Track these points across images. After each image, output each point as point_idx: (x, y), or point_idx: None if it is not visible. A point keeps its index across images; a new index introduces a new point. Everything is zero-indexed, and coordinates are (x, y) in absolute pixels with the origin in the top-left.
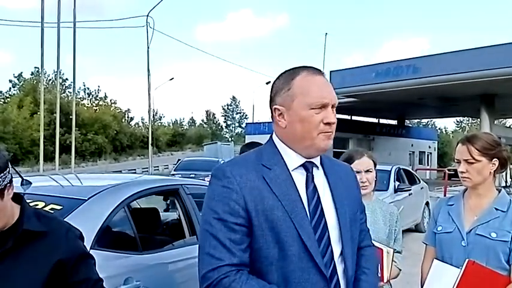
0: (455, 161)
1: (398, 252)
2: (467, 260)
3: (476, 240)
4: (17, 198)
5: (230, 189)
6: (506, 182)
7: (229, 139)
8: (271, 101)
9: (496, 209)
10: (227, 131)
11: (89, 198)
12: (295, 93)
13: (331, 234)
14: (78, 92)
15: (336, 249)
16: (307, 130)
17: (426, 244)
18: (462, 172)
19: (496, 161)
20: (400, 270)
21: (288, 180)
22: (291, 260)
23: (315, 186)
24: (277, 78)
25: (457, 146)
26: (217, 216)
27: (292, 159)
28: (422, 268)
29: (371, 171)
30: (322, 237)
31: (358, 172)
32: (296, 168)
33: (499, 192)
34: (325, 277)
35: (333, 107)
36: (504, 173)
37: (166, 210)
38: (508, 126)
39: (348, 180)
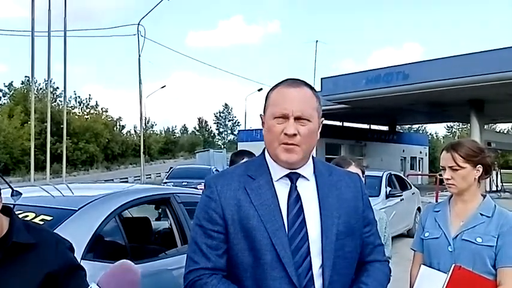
0: (441, 168)
1: (388, 258)
2: (453, 265)
3: (463, 245)
4: (6, 210)
5: (210, 199)
6: (496, 186)
7: (222, 146)
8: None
9: (481, 215)
10: (220, 138)
11: (79, 209)
12: (268, 104)
13: (312, 246)
14: (69, 100)
15: (316, 261)
16: (270, 139)
17: (414, 250)
18: (447, 179)
19: (480, 168)
20: (391, 276)
21: (269, 190)
22: (264, 268)
23: (297, 197)
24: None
25: (441, 153)
26: (198, 223)
27: (276, 170)
28: (411, 274)
29: None
30: (300, 247)
31: None
32: (280, 178)
33: (484, 197)
34: (296, 287)
35: (297, 118)
36: (495, 178)
37: (158, 219)
38: (498, 131)
39: (347, 191)
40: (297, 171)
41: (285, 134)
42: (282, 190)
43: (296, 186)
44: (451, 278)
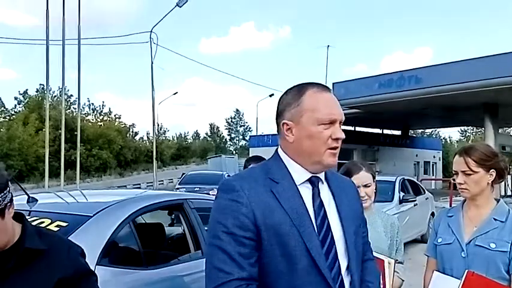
0: (453, 172)
1: (400, 262)
2: (466, 270)
3: (476, 251)
4: (18, 216)
5: (239, 203)
6: (511, 191)
7: (234, 152)
8: (279, 115)
9: (495, 220)
10: (231, 144)
11: (94, 215)
12: (305, 109)
13: (338, 248)
14: (83, 108)
15: (343, 262)
16: (315, 146)
17: (428, 256)
18: (460, 183)
19: (493, 172)
20: (403, 280)
21: (295, 194)
22: (299, 274)
23: (321, 201)
24: (285, 93)
25: (454, 157)
26: (226, 230)
27: (299, 174)
28: (424, 279)
29: (369, 186)
30: (330, 250)
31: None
32: (303, 182)
33: (498, 202)
34: None
35: (340, 123)
36: (510, 182)
37: (171, 225)
38: None
39: (350, 194)
40: (317, 175)
41: (335, 139)
42: (306, 194)
43: (319, 190)
44: (464, 284)
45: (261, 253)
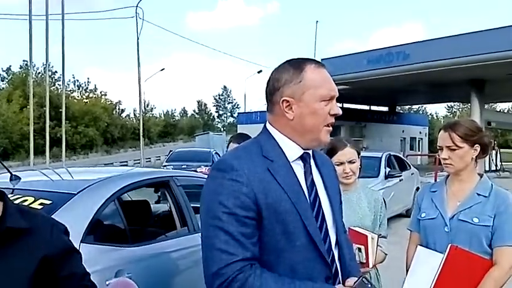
0: (438, 147)
1: (383, 237)
2: (450, 245)
3: (459, 225)
4: None
5: (240, 183)
6: (496, 165)
7: (222, 129)
8: (275, 92)
9: (478, 194)
10: (219, 121)
11: (78, 193)
12: (307, 85)
13: (328, 223)
14: (68, 84)
15: (332, 237)
16: (316, 122)
17: (411, 230)
18: (444, 159)
19: (477, 147)
20: (386, 254)
21: (290, 171)
22: (298, 250)
23: (312, 178)
24: (280, 69)
25: (439, 132)
26: (227, 211)
27: (292, 151)
28: (407, 254)
29: (354, 162)
30: (322, 226)
31: (341, 163)
32: (295, 159)
33: (481, 177)
34: (328, 264)
35: (335, 99)
36: (494, 157)
37: (157, 202)
38: (498, 110)
39: (330, 169)
40: (308, 151)
41: (333, 114)
42: (298, 171)
43: (311, 167)
44: (447, 258)
45: (261, 232)
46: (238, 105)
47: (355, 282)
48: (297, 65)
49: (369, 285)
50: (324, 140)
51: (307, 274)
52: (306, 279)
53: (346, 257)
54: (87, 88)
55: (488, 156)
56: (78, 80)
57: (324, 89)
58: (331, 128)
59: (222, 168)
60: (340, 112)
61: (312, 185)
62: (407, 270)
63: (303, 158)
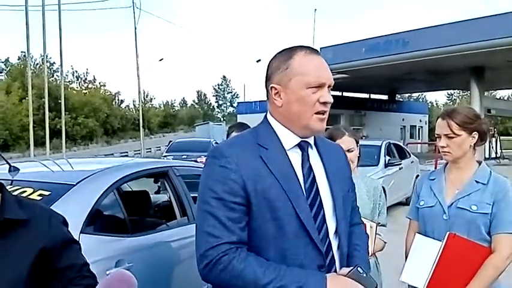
0: (436, 135)
1: (383, 225)
2: (448, 233)
3: (458, 213)
4: None
5: (228, 169)
6: (496, 153)
7: (221, 119)
8: (268, 79)
9: (477, 182)
10: (219, 111)
11: (77, 183)
12: (293, 72)
13: (326, 212)
14: (67, 75)
15: (331, 226)
16: (303, 110)
17: (409, 218)
18: (443, 147)
19: (475, 135)
20: (385, 243)
21: (284, 159)
22: (288, 237)
23: (310, 165)
24: (274, 57)
25: (437, 120)
26: (216, 196)
27: (288, 139)
28: (406, 242)
29: (352, 150)
30: (318, 214)
31: None
32: (292, 147)
33: (480, 164)
34: (322, 253)
35: (329, 87)
36: (494, 145)
37: (157, 193)
38: (498, 97)
39: (339, 159)
40: (307, 140)
41: (323, 102)
42: (295, 158)
43: (308, 155)
44: (446, 245)
45: (250, 218)
46: (237, 94)
47: (349, 272)
48: (287, 52)
49: (364, 275)
50: (315, 128)
51: (298, 261)
52: (296, 266)
53: (344, 246)
54: (85, 79)
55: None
56: (76, 71)
57: (311, 76)
58: (324, 116)
59: (214, 155)
60: (331, 100)
61: (308, 173)
62: (406, 258)
63: (301, 146)
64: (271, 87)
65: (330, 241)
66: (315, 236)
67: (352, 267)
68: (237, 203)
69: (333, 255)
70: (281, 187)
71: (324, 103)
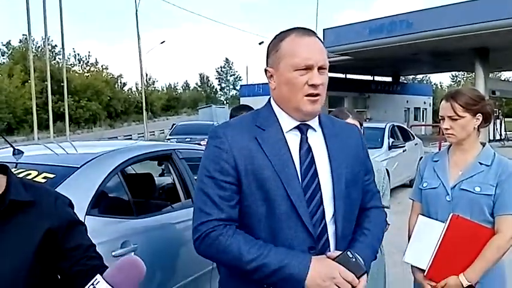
0: (440, 117)
1: (386, 207)
2: (451, 214)
3: (461, 194)
4: (3, 168)
5: (221, 149)
6: (500, 135)
7: (224, 102)
8: (266, 62)
9: (480, 163)
10: (222, 93)
11: (81, 166)
12: (282, 55)
13: (325, 195)
14: (69, 58)
15: (329, 210)
16: (292, 92)
17: (413, 200)
18: (446, 129)
19: (479, 116)
20: (389, 224)
21: (281, 141)
22: (279, 218)
23: (309, 148)
24: (272, 39)
25: (441, 102)
26: (208, 174)
27: (286, 121)
28: (409, 223)
29: None
30: (314, 197)
31: None
32: (290, 130)
33: (484, 146)
34: (312, 236)
35: (320, 68)
36: (498, 126)
37: (161, 175)
38: (503, 79)
39: (350, 140)
40: (307, 122)
41: (311, 85)
42: (293, 141)
43: (307, 137)
44: (449, 227)
45: (241, 196)
46: (240, 77)
47: (338, 256)
48: (281, 35)
49: (353, 260)
50: (306, 110)
51: (287, 242)
52: (286, 246)
53: (339, 231)
54: (88, 62)
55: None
56: (78, 54)
57: (298, 58)
58: (315, 98)
59: (211, 135)
60: (319, 82)
61: (306, 155)
62: (409, 239)
63: (300, 129)
64: (265, 70)
65: (325, 224)
66: (306, 218)
67: (342, 252)
68: (228, 182)
69: (327, 238)
70: (273, 168)
71: (313, 85)
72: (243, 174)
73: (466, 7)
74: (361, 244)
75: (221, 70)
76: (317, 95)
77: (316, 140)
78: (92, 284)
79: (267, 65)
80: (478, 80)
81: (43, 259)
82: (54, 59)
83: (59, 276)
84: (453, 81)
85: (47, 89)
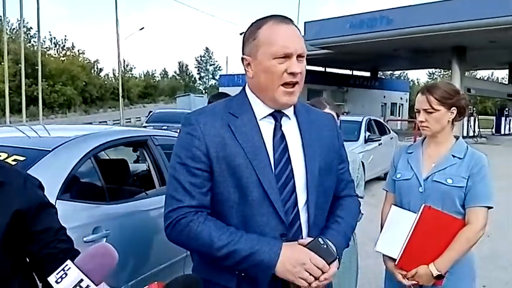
0: (415, 110)
1: (360, 197)
2: (423, 205)
3: (433, 186)
4: None
5: (193, 136)
6: (474, 132)
7: (203, 91)
8: (242, 51)
9: (453, 156)
10: (200, 83)
11: (53, 149)
12: (260, 43)
13: (298, 183)
14: (44, 41)
15: (301, 197)
16: (269, 81)
17: (386, 190)
18: (421, 121)
19: (454, 110)
20: (362, 214)
21: (254, 128)
22: (251, 204)
23: (282, 135)
24: (247, 28)
25: (416, 95)
26: (180, 161)
27: (260, 109)
28: (382, 213)
29: None
30: (286, 184)
31: None
32: (264, 117)
33: (457, 139)
34: (284, 223)
35: (299, 56)
36: (472, 123)
37: (136, 162)
38: (478, 77)
39: (325, 129)
40: (282, 110)
41: (290, 73)
42: (267, 128)
43: (281, 125)
44: (421, 217)
45: (213, 184)
46: (220, 67)
47: (309, 242)
48: (258, 22)
49: (325, 246)
50: (281, 101)
51: (259, 228)
52: (258, 233)
53: (312, 218)
54: (64, 46)
55: (466, 122)
56: (55, 37)
57: (277, 46)
58: (292, 89)
59: (183, 122)
60: (298, 70)
61: (280, 142)
62: (381, 229)
63: (274, 117)
64: (242, 59)
65: (298, 211)
66: (278, 205)
67: (313, 239)
68: (199, 168)
69: (299, 225)
70: (246, 155)
71: (292, 73)
72: (215, 161)
73: (446, 5)
74: (334, 231)
75: (201, 59)
76: (296, 83)
77: (291, 128)
78: (63, 269)
79: (243, 53)
80: (454, 78)
81: (11, 241)
82: (29, 42)
83: (28, 260)
84: (430, 78)
85: (21, 72)
